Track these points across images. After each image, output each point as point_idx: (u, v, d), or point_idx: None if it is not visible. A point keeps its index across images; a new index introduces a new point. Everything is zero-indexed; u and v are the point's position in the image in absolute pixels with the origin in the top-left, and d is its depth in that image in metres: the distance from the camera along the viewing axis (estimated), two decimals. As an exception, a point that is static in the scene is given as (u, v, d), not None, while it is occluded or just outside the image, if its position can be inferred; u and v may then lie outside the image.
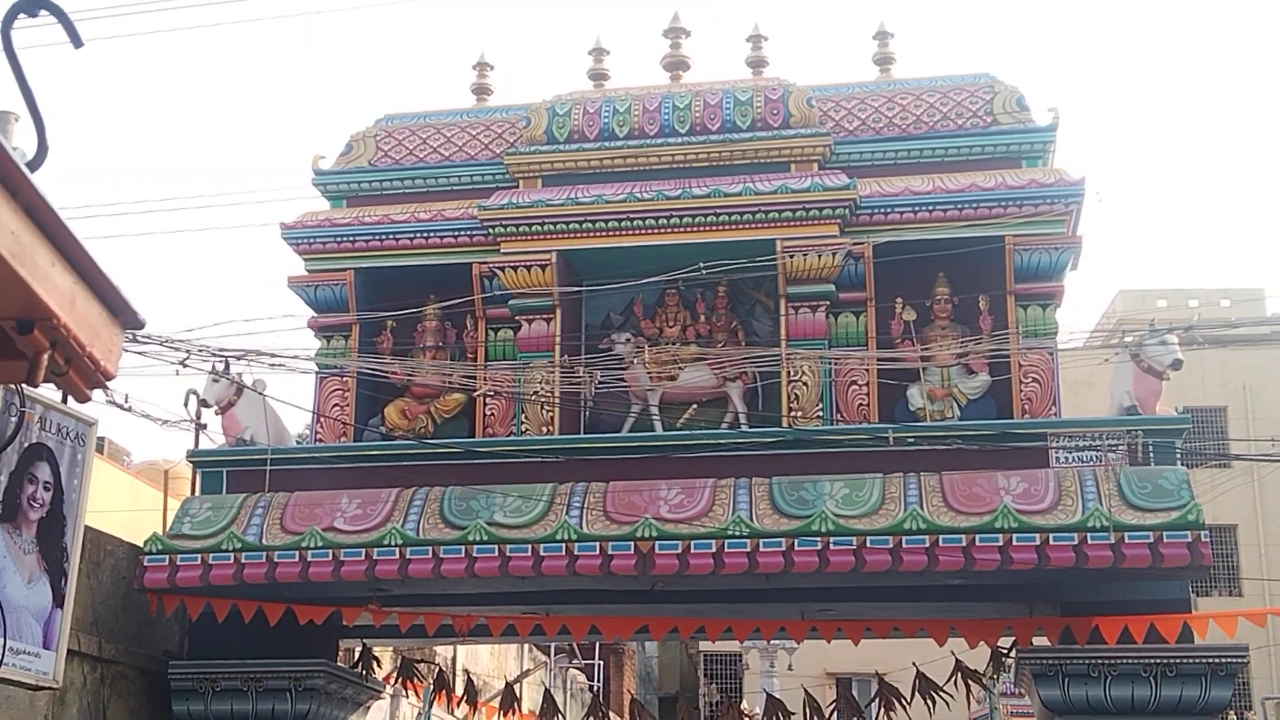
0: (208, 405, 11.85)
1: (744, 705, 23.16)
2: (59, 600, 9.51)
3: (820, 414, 11.41)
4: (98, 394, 9.85)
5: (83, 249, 2.78)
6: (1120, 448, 10.69)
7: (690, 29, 13.10)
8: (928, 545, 10.14)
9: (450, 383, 12.09)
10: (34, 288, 2.69)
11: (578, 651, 26.16)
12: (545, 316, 11.97)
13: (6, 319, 2.82)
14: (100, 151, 60.12)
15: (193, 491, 11.93)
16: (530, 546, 10.60)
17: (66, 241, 2.74)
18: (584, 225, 11.86)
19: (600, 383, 11.73)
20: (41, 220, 2.71)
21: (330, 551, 10.79)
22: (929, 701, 12.21)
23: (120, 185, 57.04)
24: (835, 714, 13.20)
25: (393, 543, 10.74)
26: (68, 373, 2.90)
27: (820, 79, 12.68)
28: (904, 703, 12.36)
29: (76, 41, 2.91)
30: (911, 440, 10.95)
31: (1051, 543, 10.02)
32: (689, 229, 11.75)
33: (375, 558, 10.74)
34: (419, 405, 12.19)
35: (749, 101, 12.22)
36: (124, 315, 2.99)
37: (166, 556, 11.01)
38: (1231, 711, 23.06)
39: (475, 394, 12.02)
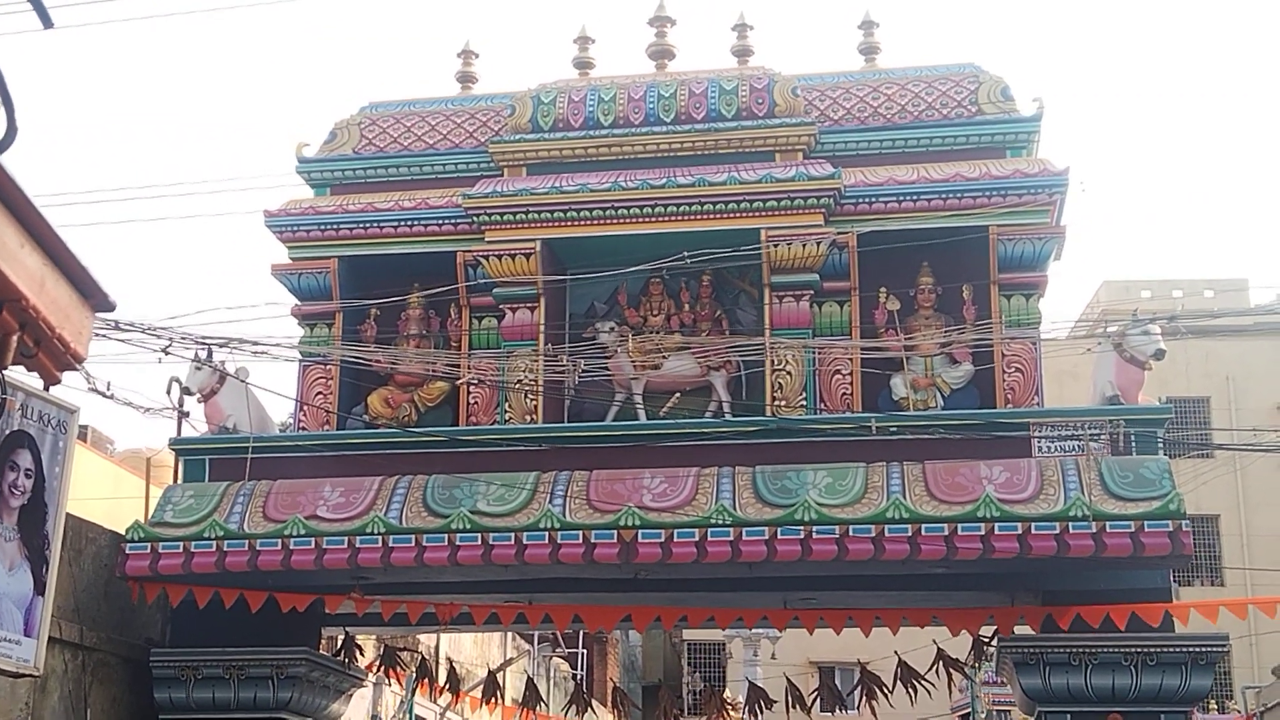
0: (190, 393, 11.82)
1: (727, 694, 23.19)
2: (40, 588, 9.47)
3: (804, 403, 11.42)
4: (80, 381, 9.81)
5: (52, 230, 2.76)
6: (1102, 437, 10.72)
7: (675, 18, 13.09)
8: (910, 534, 10.17)
9: (434, 371, 12.08)
10: (2, 268, 2.66)
11: (561, 640, 26.19)
12: (529, 305, 11.96)
13: (-26, 301, 2.77)
14: (82, 139, 59.91)
15: (175, 479, 11.91)
16: (513, 535, 10.60)
17: (35, 223, 2.71)
18: (568, 214, 11.85)
19: (584, 371, 11.72)
20: (10, 201, 2.67)
21: (313, 539, 10.78)
22: (911, 690, 12.23)
23: (102, 173, 56.89)
24: (818, 702, 13.22)
25: (375, 531, 10.73)
26: (37, 354, 2.87)
27: (805, 68, 12.68)
28: (886, 691, 12.38)
29: (46, 22, 2.88)
30: (894, 429, 10.97)
31: (1033, 532, 10.05)
32: (673, 218, 11.75)
33: (358, 546, 10.74)
34: (402, 394, 12.17)
35: (734, 91, 12.21)
36: (94, 297, 2.96)
37: (148, 544, 10.99)
38: (1212, 700, 23.22)
39: (459, 382, 12.00)
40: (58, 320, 2.83)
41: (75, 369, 3.16)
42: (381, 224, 12.22)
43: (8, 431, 9.22)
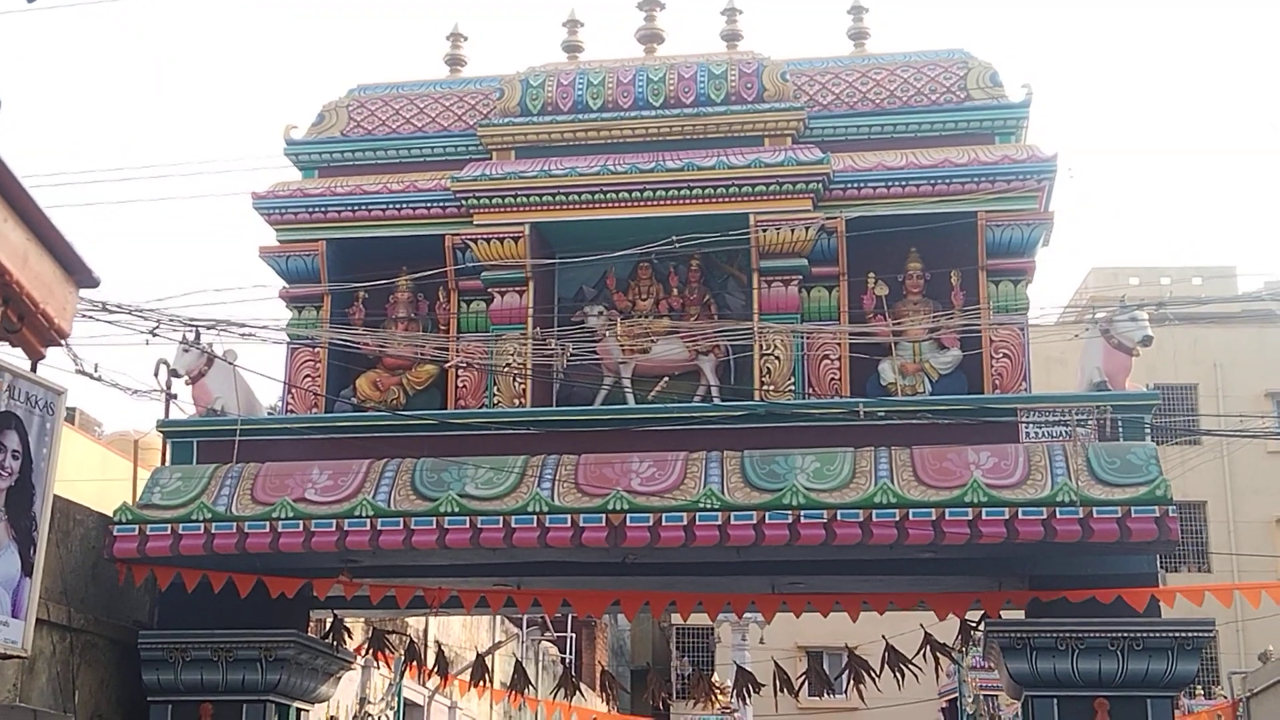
0: (178, 375, 11.79)
1: (715, 678, 23.26)
2: (28, 569, 9.47)
3: (792, 388, 11.42)
4: (67, 363, 9.77)
5: (36, 206, 2.73)
6: (1090, 423, 10.74)
7: (665, 1, 13.06)
8: (898, 519, 10.18)
9: (422, 354, 12.06)
10: (-14, 244, 2.63)
11: (550, 624, 26.22)
12: (518, 289, 11.95)
13: (-44, 276, 2.73)
14: (67, 121, 59.73)
15: (163, 462, 11.89)
16: (501, 518, 10.60)
17: (19, 197, 2.69)
18: (557, 198, 11.83)
19: (573, 355, 11.71)
20: (-7, 176, 2.65)
21: (301, 522, 10.77)
22: (898, 675, 12.27)
23: (89, 154, 56.72)
24: (805, 686, 13.25)
25: (364, 514, 10.72)
26: (21, 330, 2.85)
27: (795, 53, 12.66)
28: (874, 676, 12.42)
29: (29, -3, 2.85)
30: (882, 414, 10.98)
31: (1020, 517, 10.06)
32: (662, 202, 11.73)
33: (346, 529, 10.72)
34: (391, 377, 12.16)
35: (723, 75, 12.20)
36: (78, 273, 2.94)
37: (136, 526, 10.97)
38: (1199, 686, 23.31)
39: (447, 366, 11.99)
40: (41, 295, 2.80)
41: (59, 345, 3.15)
42: (369, 207, 12.19)
43: (-6, 413, 9.20)
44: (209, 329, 11.20)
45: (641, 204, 11.75)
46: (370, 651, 13.60)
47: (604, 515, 10.49)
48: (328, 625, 12.71)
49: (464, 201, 11.96)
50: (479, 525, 10.60)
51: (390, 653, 14.21)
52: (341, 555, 11.02)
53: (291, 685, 11.75)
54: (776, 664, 13.25)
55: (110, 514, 11.20)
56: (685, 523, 10.40)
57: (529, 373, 11.68)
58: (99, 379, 10.37)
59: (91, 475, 14.12)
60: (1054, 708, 10.79)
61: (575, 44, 13.00)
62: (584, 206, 11.83)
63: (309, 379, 12.11)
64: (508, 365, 11.72)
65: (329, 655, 12.37)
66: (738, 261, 12.05)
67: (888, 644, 12.32)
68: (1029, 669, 10.74)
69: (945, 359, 11.56)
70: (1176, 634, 10.60)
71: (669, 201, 11.72)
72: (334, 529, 10.73)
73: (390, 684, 17.31)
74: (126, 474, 12.54)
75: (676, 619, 32.40)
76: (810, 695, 13.89)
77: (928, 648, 12.16)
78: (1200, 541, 31.55)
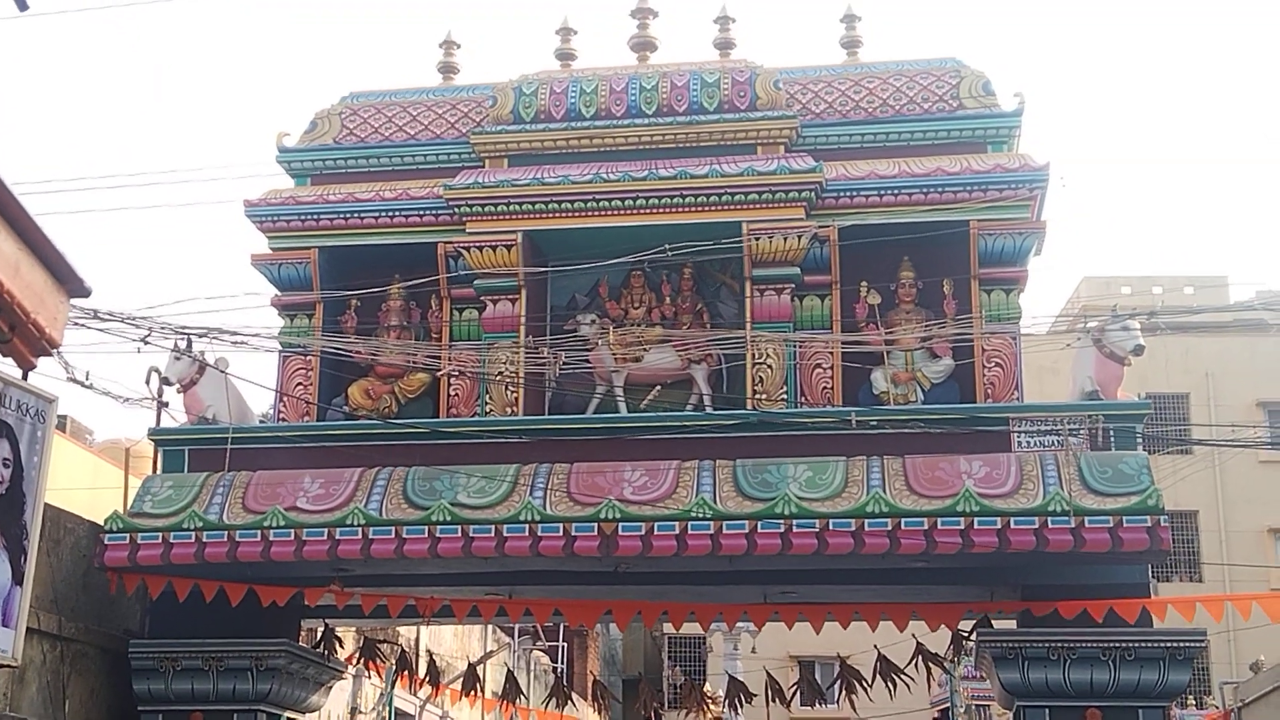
0: (170, 383, 11.77)
1: (707, 687, 23.23)
2: (18, 578, 9.43)
3: (784, 397, 11.42)
4: (59, 371, 9.75)
5: (27, 215, 2.72)
6: (1082, 433, 10.74)
7: (658, 10, 13.07)
8: (890, 528, 10.17)
9: (414, 363, 12.05)
10: (-24, 254, 2.61)
11: (541, 633, 26.18)
12: (510, 297, 11.94)
13: (-53, 286, 2.71)
14: (60, 128, 59.67)
15: (154, 470, 11.86)
16: (493, 527, 10.59)
17: (10, 207, 2.67)
18: (550, 206, 11.83)
19: (565, 364, 11.71)
20: (-16, 185, 2.64)
21: (292, 531, 10.75)
22: (890, 684, 12.26)
23: (87, 161, 56.65)
24: (797, 696, 13.24)
25: (355, 523, 10.70)
26: (12, 340, 2.83)
27: (787, 61, 12.68)
28: (865, 686, 12.41)
29: (21, 4, 2.84)
30: (875, 423, 10.98)
31: (1012, 526, 10.07)
32: (655, 210, 11.74)
33: (338, 537, 10.70)
34: (383, 385, 12.15)
35: (716, 83, 12.20)
36: (70, 282, 2.93)
37: (127, 535, 10.94)
38: (1190, 696, 23.31)
39: (439, 374, 11.98)
40: (32, 305, 2.79)
41: (50, 355, 3.14)
42: (362, 214, 12.18)
43: (-15, 421, 9.16)
44: (201, 337, 11.20)
45: (634, 212, 11.76)
46: (361, 661, 13.58)
47: (596, 524, 10.48)
48: (319, 634, 12.68)
49: (457, 209, 11.95)
50: (471, 534, 10.58)
51: (382, 662, 14.19)
52: (333, 564, 11.00)
53: (282, 695, 11.71)
54: (769, 673, 13.27)
55: (101, 522, 11.17)
56: (677, 532, 10.40)
57: (521, 381, 11.67)
58: (90, 387, 10.35)
59: (83, 483, 14.07)
60: (1046, 718, 10.79)
61: (568, 52, 13.01)
62: (577, 214, 11.83)
63: (301, 387, 12.09)
64: (500, 373, 11.71)
65: (320, 664, 12.34)
66: (730, 270, 12.05)
67: (880, 654, 12.30)
68: (1021, 679, 10.74)
69: (937, 368, 11.56)
70: (1168, 644, 10.60)
71: (662, 210, 11.72)
72: (326, 538, 10.71)
73: (381, 693, 17.27)
74: (118, 482, 12.49)
75: (669, 628, 32.35)
76: (802, 705, 13.84)
77: (920, 657, 12.15)
78: (1192, 551, 31.58)
